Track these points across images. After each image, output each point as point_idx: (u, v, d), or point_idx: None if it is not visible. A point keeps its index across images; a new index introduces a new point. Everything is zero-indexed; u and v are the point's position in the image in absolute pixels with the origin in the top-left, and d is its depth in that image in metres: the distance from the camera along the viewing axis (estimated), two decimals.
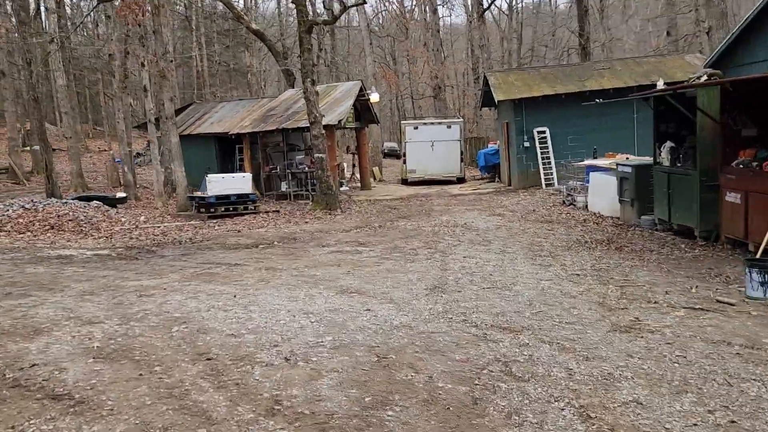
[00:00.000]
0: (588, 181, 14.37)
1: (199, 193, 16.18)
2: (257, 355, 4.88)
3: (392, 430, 3.56)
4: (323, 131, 16.39)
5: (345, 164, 26.62)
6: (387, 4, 46.14)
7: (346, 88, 21.86)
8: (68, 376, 4.56)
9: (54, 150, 33.10)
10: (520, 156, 19.50)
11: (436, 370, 4.44)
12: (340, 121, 19.13)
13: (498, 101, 19.56)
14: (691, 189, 9.65)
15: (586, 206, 14.02)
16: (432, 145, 23.93)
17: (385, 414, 3.76)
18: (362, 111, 22.61)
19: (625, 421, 3.59)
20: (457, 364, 4.55)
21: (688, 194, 9.75)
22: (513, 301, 6.36)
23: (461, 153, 24.29)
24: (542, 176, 18.94)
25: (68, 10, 36.76)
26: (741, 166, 8.63)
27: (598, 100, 12.71)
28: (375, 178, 26.67)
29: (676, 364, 4.44)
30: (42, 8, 29.50)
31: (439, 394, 4.02)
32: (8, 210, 13.18)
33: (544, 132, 19.15)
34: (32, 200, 14.11)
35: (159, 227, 13.74)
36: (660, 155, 10.93)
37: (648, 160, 12.35)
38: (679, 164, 10.28)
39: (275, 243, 11.20)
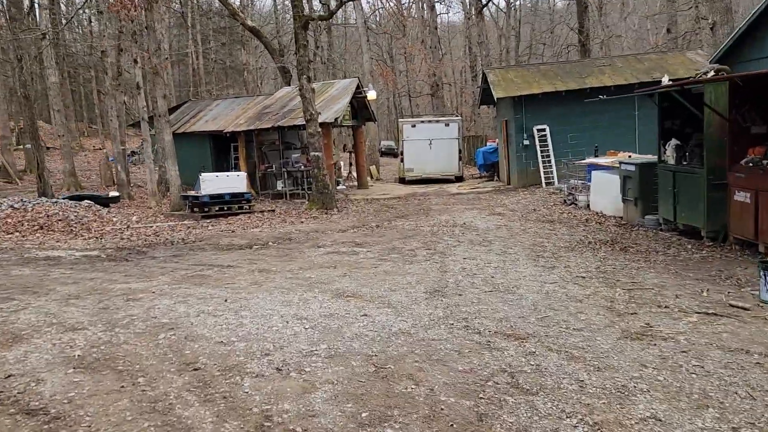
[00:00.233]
0: (589, 180, 14.10)
1: (192, 193, 15.87)
2: (247, 365, 4.59)
3: None
4: (319, 129, 16.08)
5: (342, 163, 26.33)
6: (384, 0, 45.82)
7: (343, 85, 21.56)
8: (45, 389, 4.27)
9: (48, 148, 32.81)
10: (520, 154, 19.23)
11: (438, 381, 4.16)
12: (336, 119, 18.82)
13: (497, 98, 19.28)
14: (697, 188, 9.38)
15: (588, 205, 13.75)
16: (430, 144, 23.65)
17: None
18: (359, 109, 22.32)
19: None
20: (460, 375, 4.27)
21: (694, 193, 9.48)
22: (516, 305, 6.08)
23: (459, 151, 24.02)
24: (542, 175, 18.68)
25: (63, 8, 36.39)
26: (751, 164, 8.36)
27: (601, 96, 12.45)
28: (372, 177, 26.38)
29: (693, 375, 4.17)
30: (36, 4, 29.12)
31: (442, 409, 3.74)
32: None
33: (544, 130, 18.88)
34: (21, 199, 13.79)
35: (151, 227, 13.42)
36: (665, 153, 10.65)
37: (651, 158, 12.08)
38: (684, 162, 10.01)
39: (270, 244, 10.90)
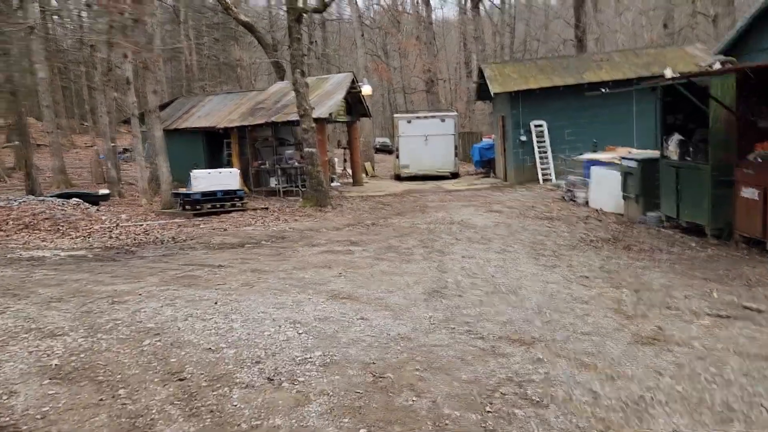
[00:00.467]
0: (588, 176, 13.86)
1: (184, 190, 15.52)
2: (236, 375, 4.30)
3: None
4: (313, 125, 15.77)
5: (336, 159, 25.99)
6: None
7: (337, 80, 21.23)
8: (18, 402, 3.96)
9: (39, 146, 32.28)
10: (517, 150, 18.97)
11: (441, 392, 3.88)
12: (330, 114, 18.51)
13: (494, 94, 19.01)
14: (701, 184, 9.14)
15: (587, 202, 13.51)
16: (426, 140, 23.36)
17: None
18: (354, 104, 21.99)
19: None
20: (465, 385, 3.99)
21: (698, 190, 9.24)
22: (520, 307, 5.81)
23: (456, 147, 23.74)
24: (539, 171, 18.44)
25: (54, 2, 35.82)
26: (759, 159, 8.11)
27: (604, 90, 12.20)
28: (367, 174, 26.07)
29: (713, 385, 3.91)
30: None
31: (446, 424, 3.46)
32: None
33: (541, 125, 18.63)
34: (8, 198, 13.41)
35: (141, 226, 13.08)
36: (667, 149, 10.41)
37: (653, 153, 11.84)
38: (688, 158, 9.76)
39: (263, 242, 10.60)
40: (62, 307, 6.25)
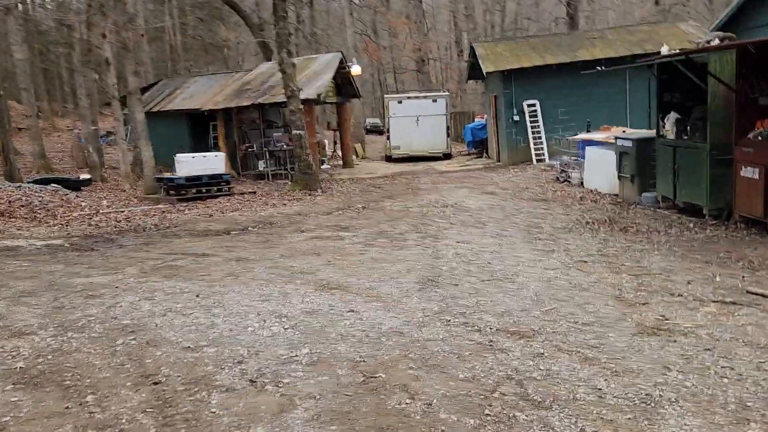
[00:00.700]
0: (582, 156, 13.59)
1: (168, 175, 15.09)
2: (216, 377, 4.00)
3: None
4: (301, 106, 15.33)
5: (326, 141, 25.53)
6: None
7: (326, 60, 20.71)
8: None
9: (20, 129, 31.51)
10: (510, 130, 18.64)
11: (436, 393, 3.61)
12: (319, 95, 18.05)
13: (486, 73, 18.60)
14: (700, 164, 8.89)
15: (582, 183, 13.26)
16: (417, 120, 22.96)
17: None
18: (343, 85, 21.51)
19: None
20: (461, 384, 3.72)
21: (696, 169, 8.99)
22: (517, 296, 5.55)
23: (448, 128, 23.36)
24: (533, 151, 18.14)
25: None
26: (759, 138, 7.86)
27: (599, 67, 11.86)
28: (358, 156, 25.66)
29: (725, 379, 3.67)
30: None
31: (443, 430, 3.19)
32: None
33: (534, 105, 18.29)
34: None
35: (123, 212, 12.68)
36: (664, 127, 10.14)
37: (648, 133, 11.57)
38: (685, 137, 9.51)
39: (249, 228, 10.26)
40: (33, 302, 5.91)
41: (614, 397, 3.47)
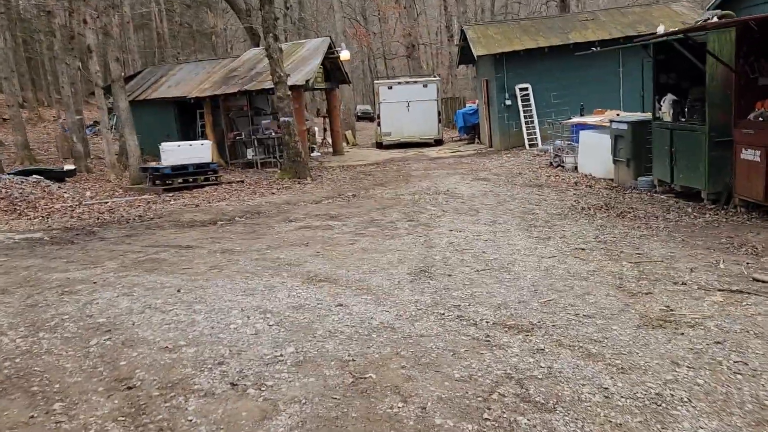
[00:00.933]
0: (576, 141, 13.33)
1: (153, 164, 14.70)
2: (195, 380, 3.73)
3: None
4: (289, 92, 14.95)
5: (316, 128, 25.14)
6: None
7: (314, 45, 20.27)
8: None
9: (5, 120, 30.84)
10: (502, 115, 18.35)
11: (431, 396, 3.36)
12: (307, 81, 17.65)
13: (477, 56, 18.26)
14: (698, 146, 8.64)
15: (576, 167, 13.01)
16: (408, 106, 22.60)
17: None
18: (332, 70, 21.10)
19: None
20: (457, 385, 3.47)
21: (694, 152, 8.75)
22: (514, 286, 5.30)
23: (439, 113, 23.02)
24: (525, 136, 17.87)
25: None
26: (760, 119, 7.62)
27: (594, 48, 11.57)
28: (348, 143, 25.31)
29: (738, 376, 3.44)
30: None
31: None
32: None
33: (526, 89, 17.98)
34: None
35: (106, 203, 12.32)
36: (660, 110, 9.88)
37: (643, 115, 11.32)
38: (683, 119, 9.25)
39: (236, 218, 9.95)
40: (5, 300, 5.61)
41: (622, 397, 3.23)
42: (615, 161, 11.22)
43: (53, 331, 4.74)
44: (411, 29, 36.38)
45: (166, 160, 13.97)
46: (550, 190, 10.89)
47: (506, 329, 4.29)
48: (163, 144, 14.37)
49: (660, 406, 3.13)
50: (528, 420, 3.05)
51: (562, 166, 13.47)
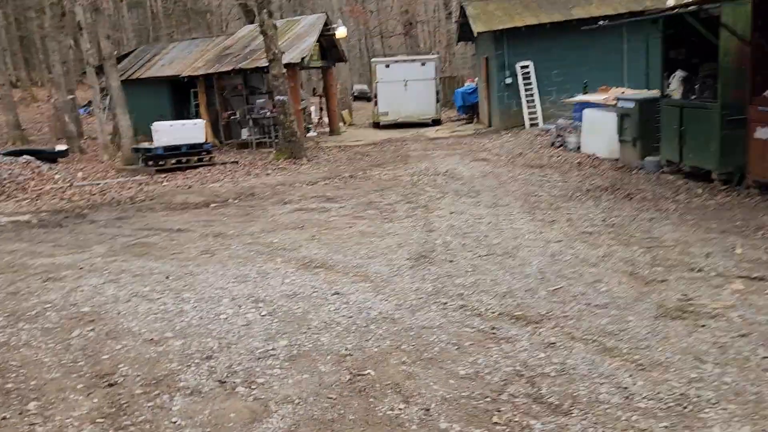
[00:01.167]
0: (579, 120, 12.98)
1: (145, 144, 14.33)
2: (181, 376, 3.47)
3: None
4: (284, 70, 14.52)
5: (312, 108, 24.68)
6: None
7: (309, 21, 19.76)
8: None
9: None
10: (502, 94, 17.92)
11: (435, 396, 3.10)
12: (303, 59, 17.19)
13: (477, 33, 17.77)
14: (709, 125, 8.32)
15: (579, 147, 12.67)
16: (405, 85, 22.12)
17: None
18: (328, 48, 20.59)
19: None
20: (463, 383, 3.21)
21: (705, 131, 8.43)
22: (520, 273, 5.03)
23: (437, 92, 22.55)
24: (526, 115, 17.47)
25: None
26: None
27: (601, 22, 11.17)
28: (345, 123, 24.87)
29: None
30: None
31: None
32: None
33: (527, 66, 17.54)
34: None
35: (98, 185, 11.98)
36: (669, 86, 9.53)
37: (651, 93, 10.97)
38: (693, 96, 8.92)
39: (230, 200, 9.64)
40: None
41: (644, 398, 2.97)
42: (621, 141, 10.89)
43: (34, 321, 4.47)
44: (408, 6, 35.70)
45: (158, 140, 13.60)
46: (552, 171, 10.58)
47: (513, 320, 4.03)
48: (155, 124, 13.98)
49: (686, 408, 2.87)
50: (542, 424, 2.79)
51: (565, 146, 13.13)
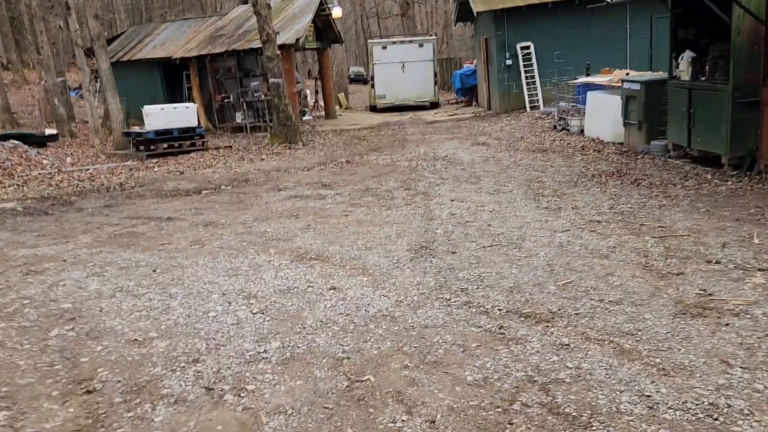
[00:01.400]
0: (582, 102, 12.65)
1: (136, 128, 13.96)
2: (164, 382, 3.20)
3: None
4: (278, 52, 14.12)
5: (308, 91, 24.23)
6: None
7: (304, 1, 19.24)
8: None
9: None
10: (502, 76, 17.53)
11: (440, 405, 2.84)
12: (298, 40, 16.75)
13: (476, 13, 17.32)
14: (720, 107, 8.01)
15: (582, 131, 12.37)
16: (403, 67, 21.70)
17: None
18: (324, 29, 20.12)
19: None
20: (471, 391, 2.95)
21: (715, 114, 8.13)
22: (527, 265, 4.76)
23: (435, 75, 22.13)
24: (527, 98, 17.12)
25: None
26: None
27: (608, 1, 10.80)
28: (341, 106, 24.46)
29: None
30: None
31: None
32: None
33: (528, 47, 17.14)
34: None
35: (87, 170, 11.64)
36: (677, 68, 9.21)
37: (657, 74, 10.64)
38: (703, 78, 8.60)
39: (222, 187, 9.33)
40: None
41: (669, 407, 2.72)
42: (626, 124, 10.58)
43: (11, 318, 4.19)
44: None
45: (149, 124, 13.23)
46: (555, 156, 10.28)
47: (522, 318, 3.77)
48: (145, 107, 13.60)
49: (717, 420, 2.62)
50: None
51: (567, 130, 12.82)
